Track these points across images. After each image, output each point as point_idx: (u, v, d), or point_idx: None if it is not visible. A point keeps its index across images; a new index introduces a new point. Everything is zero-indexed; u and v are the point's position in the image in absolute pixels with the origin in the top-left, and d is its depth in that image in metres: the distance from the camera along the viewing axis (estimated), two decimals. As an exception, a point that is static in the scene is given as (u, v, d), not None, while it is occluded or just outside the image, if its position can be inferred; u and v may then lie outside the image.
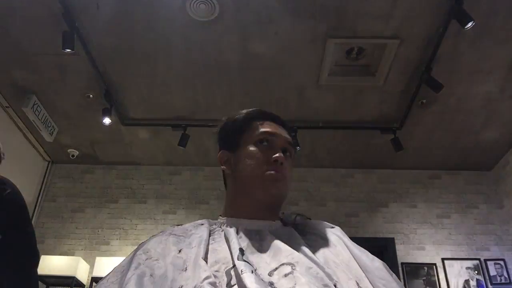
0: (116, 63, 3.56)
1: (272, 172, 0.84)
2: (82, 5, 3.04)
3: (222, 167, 0.93)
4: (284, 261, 0.71)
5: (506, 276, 4.28)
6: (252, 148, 0.88)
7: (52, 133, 4.20)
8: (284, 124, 0.96)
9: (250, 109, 0.96)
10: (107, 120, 3.87)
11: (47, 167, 4.82)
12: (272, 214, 0.87)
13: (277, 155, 0.85)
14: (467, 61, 3.46)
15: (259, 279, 0.65)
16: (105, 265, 4.02)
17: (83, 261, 4.13)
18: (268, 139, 0.89)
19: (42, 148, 4.64)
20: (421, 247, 4.46)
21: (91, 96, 3.88)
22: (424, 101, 3.86)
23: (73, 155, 4.76)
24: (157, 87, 3.84)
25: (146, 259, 0.74)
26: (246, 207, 0.86)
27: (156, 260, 0.73)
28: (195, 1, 2.97)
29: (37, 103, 3.85)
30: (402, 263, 4.33)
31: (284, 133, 0.93)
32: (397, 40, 3.28)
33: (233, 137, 0.93)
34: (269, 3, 3.01)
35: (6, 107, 3.95)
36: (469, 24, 2.88)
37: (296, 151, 0.99)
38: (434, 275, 4.28)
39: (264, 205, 0.85)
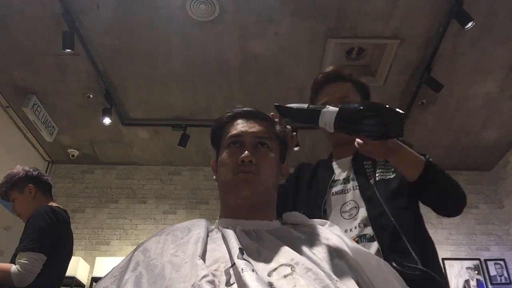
0: (116, 63, 3.56)
1: (240, 174, 0.84)
2: (82, 5, 3.04)
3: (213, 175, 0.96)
4: (283, 261, 0.71)
5: (506, 276, 4.27)
6: (224, 155, 0.90)
7: (52, 133, 4.20)
8: (258, 116, 0.93)
9: (224, 114, 0.96)
10: (107, 120, 3.87)
11: (47, 167, 4.81)
12: (263, 214, 0.86)
13: (243, 155, 0.84)
14: (467, 61, 3.45)
15: (260, 278, 0.65)
16: (105, 265, 4.03)
17: (83, 261, 4.12)
18: (236, 141, 0.89)
19: (42, 148, 4.63)
20: (421, 247, 4.46)
21: (91, 96, 3.88)
22: (424, 101, 3.85)
23: (73, 155, 4.76)
24: (157, 87, 3.83)
25: (144, 259, 0.74)
26: (232, 211, 0.86)
27: (154, 259, 0.73)
28: (195, 1, 2.96)
29: (37, 103, 3.85)
30: (402, 263, 4.33)
31: (255, 127, 0.90)
32: (397, 40, 3.27)
33: (215, 145, 0.96)
34: (269, 3, 3.01)
35: (6, 107, 3.95)
36: (469, 24, 2.88)
37: (282, 139, 0.95)
38: (434, 275, 4.27)
39: (243, 208, 0.85)
